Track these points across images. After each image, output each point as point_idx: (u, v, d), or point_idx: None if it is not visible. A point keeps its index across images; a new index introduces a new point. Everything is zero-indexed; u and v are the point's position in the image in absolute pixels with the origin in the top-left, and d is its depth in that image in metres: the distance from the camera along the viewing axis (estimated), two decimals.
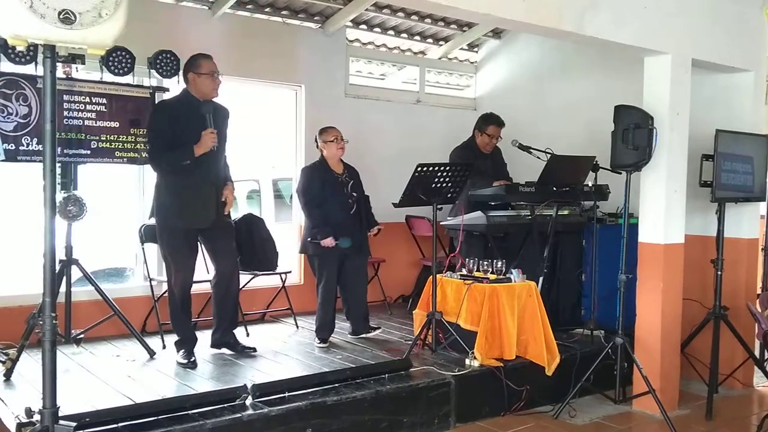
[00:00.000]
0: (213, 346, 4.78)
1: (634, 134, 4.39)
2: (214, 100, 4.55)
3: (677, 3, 4.63)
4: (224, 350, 4.77)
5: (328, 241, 4.97)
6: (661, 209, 4.62)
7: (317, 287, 5.20)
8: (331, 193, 5.11)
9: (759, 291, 5.33)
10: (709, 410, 4.59)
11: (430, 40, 7.29)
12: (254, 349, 4.80)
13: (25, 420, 3.07)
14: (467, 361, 4.45)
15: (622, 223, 4.64)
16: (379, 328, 5.40)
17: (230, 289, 4.73)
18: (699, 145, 4.82)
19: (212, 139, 4.35)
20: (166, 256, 4.56)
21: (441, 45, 7.35)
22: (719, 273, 4.80)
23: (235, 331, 4.85)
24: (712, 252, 4.86)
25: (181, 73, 4.70)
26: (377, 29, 6.90)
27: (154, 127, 4.49)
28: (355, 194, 5.18)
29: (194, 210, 4.42)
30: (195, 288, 4.69)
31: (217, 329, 4.77)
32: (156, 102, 4.77)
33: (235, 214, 5.81)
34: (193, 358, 4.50)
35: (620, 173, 4.64)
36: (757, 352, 5.14)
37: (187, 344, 4.56)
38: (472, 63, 7.72)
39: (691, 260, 4.88)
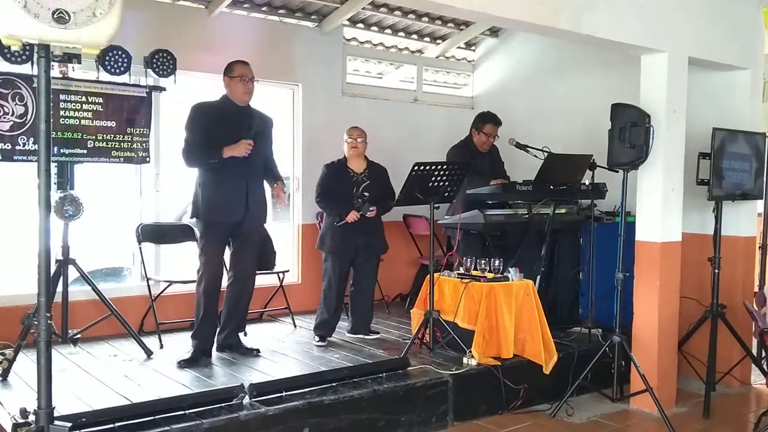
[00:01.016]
0: (218, 349, 4.76)
1: (631, 132, 4.39)
2: (252, 106, 4.65)
3: (674, 1, 4.63)
4: (225, 352, 4.75)
5: (352, 216, 5.01)
6: (658, 207, 4.62)
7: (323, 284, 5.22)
8: (341, 191, 5.12)
9: (756, 289, 5.33)
10: (706, 408, 4.59)
11: (427, 39, 7.29)
12: (258, 351, 4.78)
13: (20, 420, 3.06)
14: (465, 360, 4.45)
15: (619, 221, 4.63)
16: (378, 333, 5.36)
17: (245, 290, 4.76)
18: (696, 143, 4.82)
19: (246, 150, 4.43)
20: (200, 250, 4.61)
21: (438, 44, 7.34)
22: (716, 271, 4.80)
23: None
24: (709, 250, 4.86)
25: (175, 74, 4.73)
26: (374, 28, 6.90)
27: (188, 125, 4.53)
28: (367, 194, 5.14)
29: (223, 204, 4.50)
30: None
31: (222, 330, 4.76)
32: (161, 101, 4.75)
33: None
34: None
35: (617, 171, 4.64)
36: (754, 350, 5.14)
37: (200, 342, 4.55)
38: (469, 62, 7.71)
39: (688, 258, 4.88)
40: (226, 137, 4.45)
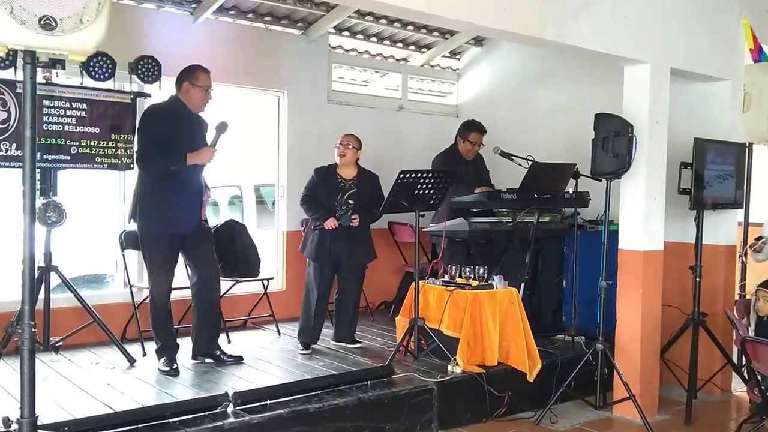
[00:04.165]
0: (196, 356, 4.69)
1: (614, 142, 4.44)
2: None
3: (656, 12, 4.69)
4: (206, 360, 4.69)
5: (330, 223, 4.95)
6: (641, 216, 4.67)
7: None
8: (325, 196, 5.09)
9: (737, 297, 5.39)
10: (688, 415, 4.63)
11: (412, 47, 7.32)
12: (240, 358, 4.75)
13: (3, 430, 3.03)
14: (449, 368, 4.46)
15: (603, 229, 4.68)
16: (360, 343, 5.31)
17: (214, 296, 4.70)
18: (678, 152, 4.87)
19: (210, 158, 4.41)
20: (148, 262, 4.51)
21: (423, 52, 7.37)
22: (698, 279, 4.85)
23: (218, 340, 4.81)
24: (690, 259, 4.91)
25: (161, 79, 4.71)
26: (360, 36, 6.91)
27: (144, 130, 4.46)
28: (351, 202, 5.09)
29: (179, 214, 4.41)
30: (174, 295, 4.65)
31: (198, 339, 4.69)
32: (145, 107, 4.73)
33: (217, 220, 5.79)
34: (175, 366, 4.46)
35: (600, 180, 4.68)
36: (735, 358, 5.20)
37: (168, 351, 4.52)
38: (454, 70, 7.75)
39: (670, 267, 4.93)
40: (183, 142, 4.37)
